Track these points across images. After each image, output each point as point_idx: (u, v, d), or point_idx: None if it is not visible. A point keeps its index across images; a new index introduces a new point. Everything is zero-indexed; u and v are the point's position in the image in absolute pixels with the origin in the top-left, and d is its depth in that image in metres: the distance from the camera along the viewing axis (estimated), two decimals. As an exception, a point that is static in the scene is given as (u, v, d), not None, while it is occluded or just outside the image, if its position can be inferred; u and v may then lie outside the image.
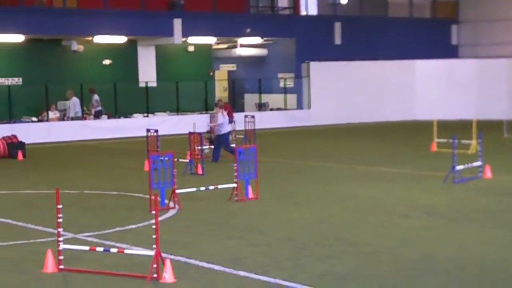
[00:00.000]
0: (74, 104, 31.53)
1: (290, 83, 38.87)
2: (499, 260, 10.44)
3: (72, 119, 31.52)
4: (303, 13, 41.48)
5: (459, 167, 17.69)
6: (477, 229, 12.64)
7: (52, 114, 31.46)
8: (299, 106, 38.55)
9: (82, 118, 31.93)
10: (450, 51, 43.06)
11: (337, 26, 39.65)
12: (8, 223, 13.74)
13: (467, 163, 18.40)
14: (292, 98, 38.60)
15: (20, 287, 9.44)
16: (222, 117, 22.14)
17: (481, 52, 42.10)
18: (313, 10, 41.93)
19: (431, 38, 42.52)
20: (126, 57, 35.54)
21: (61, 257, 10.12)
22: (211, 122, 28.72)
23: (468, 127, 24.76)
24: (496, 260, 10.44)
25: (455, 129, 23.29)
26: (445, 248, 11.21)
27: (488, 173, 18.36)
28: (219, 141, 22.24)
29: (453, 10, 43.88)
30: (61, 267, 10.10)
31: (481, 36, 42.75)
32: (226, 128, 22.25)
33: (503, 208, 14.47)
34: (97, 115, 32.35)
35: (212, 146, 23.20)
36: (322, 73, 38.32)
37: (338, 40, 39.77)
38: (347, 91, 38.48)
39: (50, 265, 10.10)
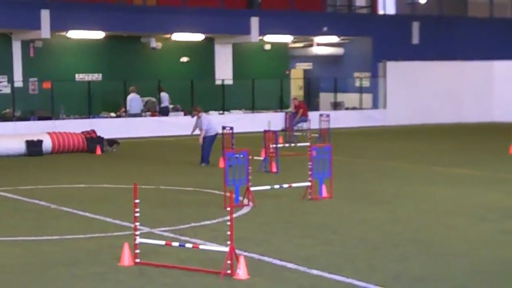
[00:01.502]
0: (131, 100, 31.66)
1: (366, 83, 38.62)
2: None
3: (130, 115, 31.72)
4: (380, 12, 41.16)
5: (538, 171, 17.31)
6: (557, 234, 12.36)
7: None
8: (375, 105, 38.29)
9: (141, 114, 32.15)
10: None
11: (415, 25, 39.23)
12: (87, 216, 14.03)
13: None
14: (367, 98, 38.36)
15: (97, 279, 9.62)
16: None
17: None
18: (391, 10, 41.59)
19: (511, 38, 41.66)
20: (203, 55, 35.85)
21: (137, 251, 10.29)
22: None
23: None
24: None
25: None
26: (523, 252, 11.00)
27: None
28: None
29: (536, 9, 42.97)
30: (137, 260, 10.27)
31: None
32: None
33: None
34: (163, 112, 32.50)
35: (287, 144, 23.27)
36: (398, 73, 37.97)
37: (415, 40, 39.34)
38: (423, 91, 38.05)
39: (126, 258, 10.28)
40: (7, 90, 30.79)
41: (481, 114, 38.07)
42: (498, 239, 11.94)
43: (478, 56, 38.97)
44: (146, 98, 33.12)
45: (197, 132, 21.97)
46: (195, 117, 22.10)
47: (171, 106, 33.14)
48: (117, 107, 32.27)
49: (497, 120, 37.11)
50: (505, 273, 9.83)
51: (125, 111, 31.66)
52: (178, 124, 31.95)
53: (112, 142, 25.83)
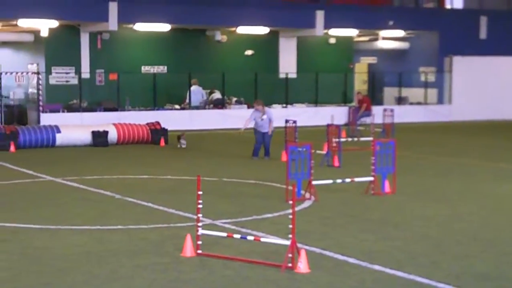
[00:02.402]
0: (193, 92, 31.81)
1: (431, 77, 38.16)
2: None
3: (192, 107, 31.84)
4: (447, 6, 40.61)
5: None
6: None
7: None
8: (440, 100, 37.83)
9: (204, 107, 32.28)
10: None
11: (483, 20, 38.59)
12: (150, 207, 14.21)
13: None
14: (432, 93, 37.89)
15: (160, 269, 9.74)
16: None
17: None
18: (458, 4, 40.96)
19: None
20: (268, 48, 35.87)
21: (199, 242, 10.39)
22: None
23: None
24: None
25: None
26: None
27: None
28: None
29: None
30: (199, 251, 10.37)
31: None
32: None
33: None
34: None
35: (349, 139, 23.21)
36: (465, 68, 37.44)
37: (483, 35, 38.71)
38: (490, 87, 37.46)
39: (188, 249, 10.38)
40: (75, 81, 31.29)
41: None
42: None
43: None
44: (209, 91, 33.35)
45: (250, 125, 21.91)
46: (255, 111, 22.05)
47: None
48: (181, 99, 32.53)
49: None
50: None
51: (189, 104, 31.88)
52: (241, 117, 31.98)
53: (179, 136, 25.27)
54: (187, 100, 31.89)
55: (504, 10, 39.97)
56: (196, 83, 31.85)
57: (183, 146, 24.57)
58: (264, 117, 21.67)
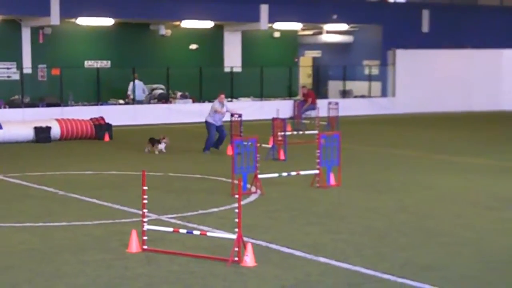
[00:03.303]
0: (130, 87, 31.62)
1: (375, 71, 38.52)
2: None
3: (134, 102, 31.64)
4: (390, 0, 41.00)
5: (547, 160, 17.27)
6: None
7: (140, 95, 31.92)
8: (384, 93, 38.20)
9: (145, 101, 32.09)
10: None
11: (425, 13, 39.08)
12: (94, 203, 14.07)
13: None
14: (376, 86, 38.26)
15: (105, 266, 9.65)
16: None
17: None
18: (401, -3, 41.43)
19: (522, 27, 41.51)
20: (213, 42, 35.83)
21: (145, 238, 10.33)
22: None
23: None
24: None
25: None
26: (530, 241, 11.00)
27: None
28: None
29: (546, -2, 42.75)
30: (145, 247, 10.31)
31: None
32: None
33: None
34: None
35: (295, 132, 23.29)
36: (408, 61, 37.87)
37: (425, 28, 39.20)
38: (432, 80, 37.94)
39: (134, 245, 10.31)
40: (16, 76, 30.84)
41: (490, 103, 37.93)
42: (504, 228, 11.93)
43: (487, 44, 38.84)
44: (154, 85, 33.17)
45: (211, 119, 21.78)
46: (219, 103, 21.93)
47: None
48: (125, 94, 32.29)
49: (506, 108, 36.98)
50: (511, 262, 9.84)
51: (133, 99, 31.62)
52: (187, 111, 31.99)
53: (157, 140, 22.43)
54: (131, 96, 31.61)
55: (446, 4, 40.52)
56: (136, 78, 31.62)
57: (162, 151, 21.63)
58: (224, 109, 21.61)
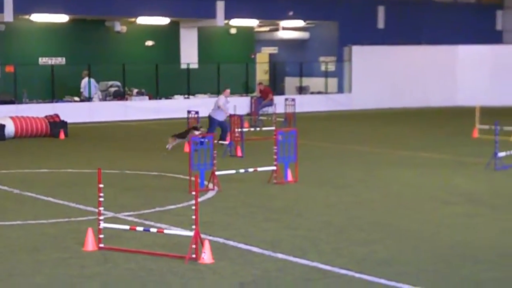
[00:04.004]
0: (85, 84, 31.37)
1: (331, 67, 38.67)
2: (541, 248, 10.32)
3: (83, 99, 31.43)
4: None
5: (501, 154, 17.48)
6: (519, 217, 12.50)
7: (94, 93, 31.66)
8: (340, 90, 38.38)
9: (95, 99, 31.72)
10: (494, 37, 42.49)
11: (381, 10, 39.34)
12: (50, 201, 13.90)
13: (510, 149, 18.17)
14: (333, 82, 38.42)
15: (61, 265, 9.53)
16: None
17: (526, 38, 41.53)
18: (356, -6, 41.62)
19: (475, 23, 41.96)
20: (169, 39, 35.67)
21: (101, 236, 10.22)
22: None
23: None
24: (538, 248, 10.33)
25: (498, 115, 23.00)
26: (486, 235, 11.10)
27: (531, 161, 18.13)
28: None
29: (499, -5, 43.32)
30: (101, 245, 10.20)
31: (527, 22, 42.15)
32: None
33: (546, 196, 14.29)
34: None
35: (252, 129, 23.30)
36: (364, 57, 38.08)
37: (381, 24, 39.46)
38: (389, 76, 38.20)
39: (90, 243, 10.20)
40: (-31, 73, 30.41)
41: (445, 98, 38.31)
42: (460, 222, 12.05)
43: (443, 40, 39.21)
44: (110, 82, 32.92)
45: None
46: (225, 98, 21.98)
47: (135, 90, 32.77)
48: (80, 91, 31.97)
49: (461, 104, 37.37)
50: (467, 256, 9.91)
51: (88, 95, 31.29)
52: (143, 109, 31.82)
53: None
54: (85, 93, 31.29)
55: (401, 0, 40.80)
56: (87, 74, 31.30)
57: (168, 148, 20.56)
58: (228, 106, 21.66)
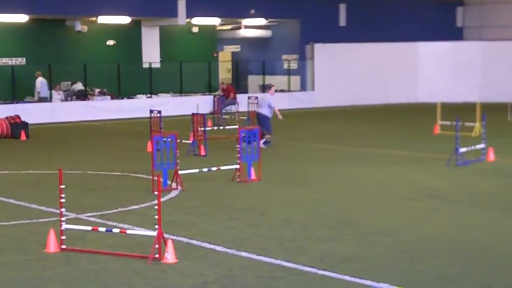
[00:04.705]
0: (40, 84, 31.13)
1: (294, 65, 38.78)
2: (502, 243, 10.44)
3: (40, 99, 31.15)
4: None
5: (462, 150, 17.67)
6: (480, 211, 12.64)
7: (56, 94, 31.42)
8: (303, 88, 38.50)
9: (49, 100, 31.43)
10: (455, 33, 42.93)
11: (342, 7, 39.53)
12: (11, 203, 13.76)
13: (471, 145, 18.37)
14: (296, 80, 38.54)
15: (22, 267, 9.44)
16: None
17: (486, 35, 41.97)
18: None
19: (436, 20, 42.35)
20: (130, 38, 35.52)
21: (63, 237, 10.14)
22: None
23: (472, 109, 24.73)
24: (499, 243, 10.44)
25: (459, 111, 23.22)
26: (447, 230, 11.21)
27: (491, 156, 18.35)
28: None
29: (459, -8, 43.76)
30: (63, 246, 10.12)
31: (486, 18, 42.60)
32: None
33: (506, 190, 14.46)
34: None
35: (215, 127, 23.30)
36: (326, 55, 38.24)
37: (343, 22, 39.65)
38: (351, 73, 38.40)
39: (52, 245, 10.11)
40: None
41: (407, 95, 38.61)
42: (422, 218, 12.15)
43: (404, 37, 39.51)
44: (70, 82, 32.72)
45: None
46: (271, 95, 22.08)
47: (97, 90, 32.63)
48: (37, 92, 31.67)
49: (422, 100, 37.69)
50: (428, 251, 9.99)
51: (42, 97, 31.01)
52: (105, 108, 31.64)
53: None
54: (42, 94, 31.01)
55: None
56: (40, 74, 31.04)
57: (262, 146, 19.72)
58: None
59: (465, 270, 9.18)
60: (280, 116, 22.18)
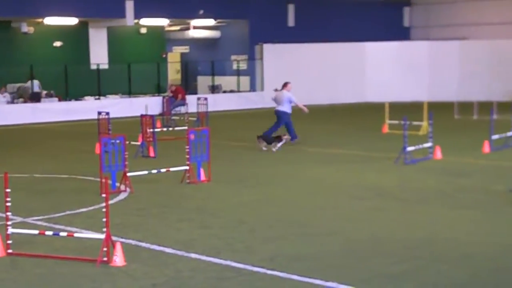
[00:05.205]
0: None
1: (243, 65, 38.82)
2: (448, 239, 10.58)
3: None
4: (256, -6, 41.41)
5: (410, 148, 17.87)
6: (427, 209, 12.78)
7: (1, 97, 30.99)
8: (252, 88, 38.54)
9: None
10: (402, 33, 43.40)
11: (291, 8, 39.68)
12: (-44, 208, 13.52)
13: (418, 144, 18.59)
14: (245, 80, 38.57)
15: (-32, 272, 9.30)
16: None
17: (433, 34, 42.51)
18: (266, -8, 41.88)
19: (383, 20, 42.77)
20: (78, 39, 35.18)
21: (9, 241, 10.00)
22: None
23: (420, 108, 25.01)
24: (445, 239, 10.58)
25: (407, 110, 23.48)
26: (395, 229, 11.32)
27: (438, 154, 18.59)
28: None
29: (405, -8, 44.26)
30: (10, 251, 9.98)
31: (433, 18, 43.17)
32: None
33: (452, 188, 14.65)
34: (34, 98, 31.20)
35: (164, 128, 23.18)
36: (275, 55, 38.32)
37: (291, 22, 39.79)
38: (300, 73, 38.49)
39: (-2, 250, 9.98)
40: None
41: (355, 95, 38.89)
42: (370, 216, 12.25)
43: (352, 37, 39.77)
44: (18, 84, 32.28)
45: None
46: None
47: (45, 92, 32.34)
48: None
49: (370, 100, 38.01)
50: (377, 249, 10.08)
51: None
52: (53, 111, 31.27)
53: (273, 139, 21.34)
54: None
55: (310, -2, 41.28)
56: None
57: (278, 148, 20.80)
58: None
59: (413, 267, 9.28)
60: (306, 110, 22.26)
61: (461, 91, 36.26)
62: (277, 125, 21.85)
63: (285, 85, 22.28)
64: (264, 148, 20.78)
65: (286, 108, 21.84)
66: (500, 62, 38.35)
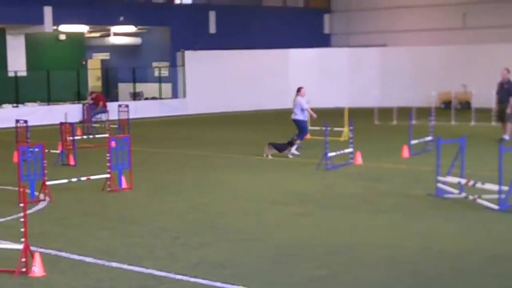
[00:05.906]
0: None
1: (165, 72, 38.64)
2: (368, 243, 10.69)
3: None
4: (177, 1, 41.29)
5: (331, 154, 18.03)
6: (348, 214, 12.90)
7: None
8: (174, 95, 38.40)
9: None
10: (323, 40, 43.89)
11: (212, 15, 39.69)
12: None
13: (339, 150, 18.78)
14: (167, 87, 38.40)
15: None
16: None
17: (353, 41, 43.11)
18: (187, -1, 41.89)
19: (304, 27, 43.17)
20: (-6, 46, 34.49)
21: None
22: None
23: (341, 114, 25.28)
24: (366, 243, 10.69)
25: (328, 117, 23.70)
26: (317, 233, 11.39)
27: (359, 159, 18.81)
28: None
29: (326, -1, 44.78)
30: None
31: (352, 25, 43.79)
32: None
33: (373, 193, 14.83)
34: None
35: (85, 136, 22.85)
36: (197, 62, 38.26)
37: (213, 29, 39.80)
38: (222, 80, 38.57)
39: None
40: None
41: (278, 101, 39.01)
42: (293, 222, 12.30)
43: (274, 44, 40.01)
44: None
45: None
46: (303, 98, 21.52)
47: None
48: None
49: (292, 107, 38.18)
50: (300, 255, 10.12)
51: None
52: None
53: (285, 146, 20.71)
54: None
55: (231, 5, 41.34)
56: None
57: (296, 153, 20.43)
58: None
59: (335, 272, 9.34)
60: (314, 115, 21.89)
61: (381, 97, 36.79)
62: (302, 135, 21.39)
63: (298, 90, 21.97)
64: (270, 157, 20.34)
65: (299, 116, 21.53)
66: (419, 68, 39.11)
